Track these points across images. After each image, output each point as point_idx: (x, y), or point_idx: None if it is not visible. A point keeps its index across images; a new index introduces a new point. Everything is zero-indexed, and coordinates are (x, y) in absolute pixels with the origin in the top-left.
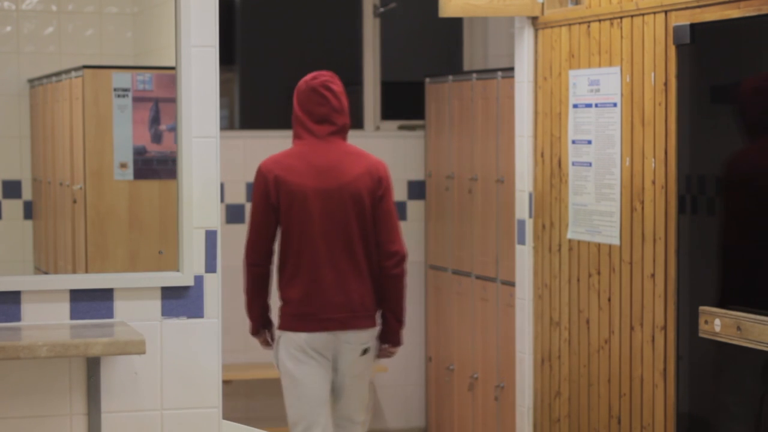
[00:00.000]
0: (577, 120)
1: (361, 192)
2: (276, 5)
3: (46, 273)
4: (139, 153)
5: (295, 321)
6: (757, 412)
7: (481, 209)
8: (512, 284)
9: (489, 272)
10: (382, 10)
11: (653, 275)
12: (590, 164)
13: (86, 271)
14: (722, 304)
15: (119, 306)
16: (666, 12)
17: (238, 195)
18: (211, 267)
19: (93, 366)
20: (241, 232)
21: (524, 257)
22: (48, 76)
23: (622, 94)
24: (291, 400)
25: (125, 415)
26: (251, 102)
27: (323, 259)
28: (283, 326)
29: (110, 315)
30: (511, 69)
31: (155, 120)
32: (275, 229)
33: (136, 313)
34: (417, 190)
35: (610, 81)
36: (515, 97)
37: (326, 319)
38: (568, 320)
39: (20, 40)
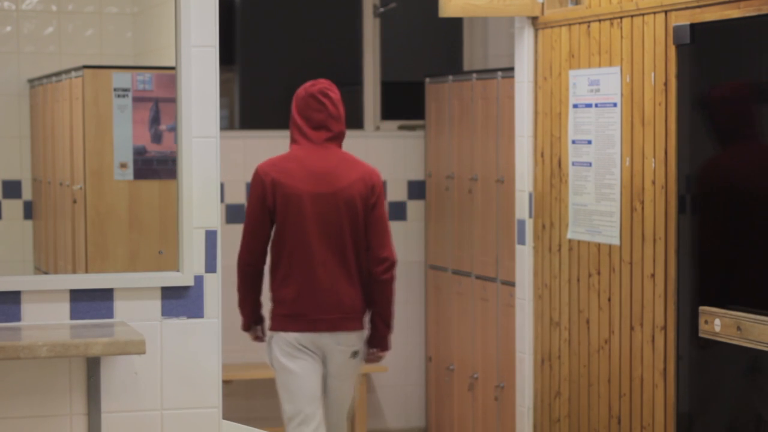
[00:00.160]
0: (577, 120)
1: (355, 198)
2: (276, 5)
3: (46, 273)
4: (139, 153)
5: (286, 321)
6: (757, 412)
7: (481, 209)
8: (512, 284)
9: (489, 272)
10: (382, 10)
11: (653, 275)
12: (590, 164)
13: (86, 271)
14: (722, 304)
15: (119, 306)
16: (666, 12)
17: (238, 195)
18: (211, 267)
19: (93, 366)
20: (241, 232)
21: (524, 257)
22: (48, 76)
23: (622, 94)
24: (287, 394)
25: (125, 415)
26: (251, 102)
27: (316, 261)
28: (275, 327)
29: (110, 315)
30: (511, 69)
31: (155, 120)
32: (270, 231)
33: (136, 313)
34: (417, 190)
35: (610, 81)
36: (515, 97)
37: (317, 320)
38: (568, 320)
39: (20, 40)
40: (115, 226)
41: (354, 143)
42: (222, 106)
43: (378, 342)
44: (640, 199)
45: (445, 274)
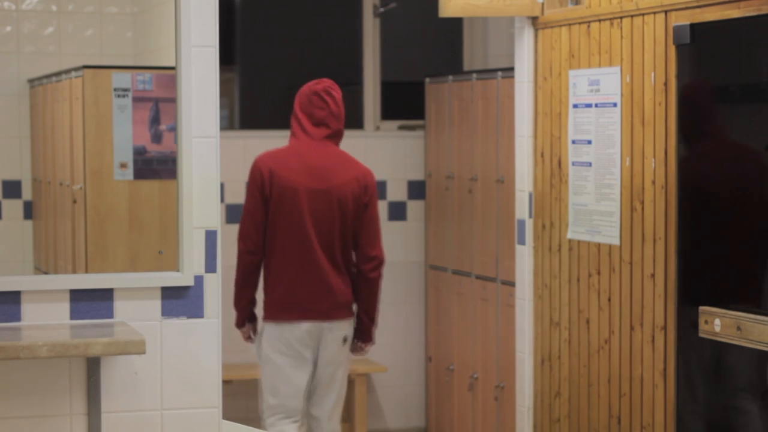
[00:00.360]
0: (577, 120)
1: (348, 196)
2: (276, 5)
3: (46, 273)
4: (139, 153)
5: (279, 311)
6: (757, 412)
7: (481, 209)
8: (512, 284)
9: (489, 272)
10: (382, 10)
11: (653, 275)
12: (590, 164)
13: (86, 271)
14: (722, 304)
15: (119, 306)
16: (666, 12)
17: (238, 195)
18: (211, 267)
19: (93, 366)
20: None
21: (524, 257)
22: (48, 76)
23: (622, 94)
24: (272, 389)
25: (125, 415)
26: (251, 102)
27: (308, 253)
28: (268, 317)
29: (110, 315)
30: (511, 69)
31: (155, 120)
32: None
33: (136, 313)
34: (417, 190)
35: (610, 81)
36: (515, 97)
37: (310, 310)
38: (568, 320)
39: (20, 40)
40: (115, 226)
41: (354, 143)
42: (222, 106)
43: (362, 335)
44: (640, 199)
45: (445, 274)
